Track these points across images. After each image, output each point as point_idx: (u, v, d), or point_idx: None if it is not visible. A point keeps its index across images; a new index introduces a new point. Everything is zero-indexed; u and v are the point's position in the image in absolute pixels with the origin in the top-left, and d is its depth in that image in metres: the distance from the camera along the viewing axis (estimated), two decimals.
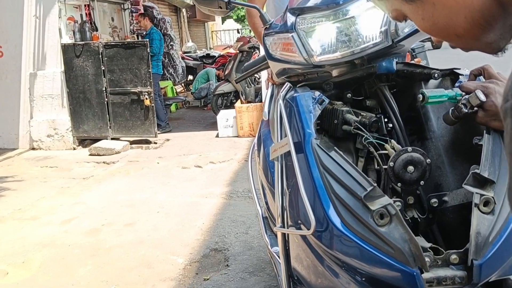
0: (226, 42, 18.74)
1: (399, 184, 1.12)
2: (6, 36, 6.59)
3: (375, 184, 1.01)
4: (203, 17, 15.92)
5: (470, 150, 1.15)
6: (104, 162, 5.78)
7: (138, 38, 8.73)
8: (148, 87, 6.32)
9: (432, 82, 1.29)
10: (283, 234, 1.31)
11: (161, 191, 4.53)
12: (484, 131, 1.09)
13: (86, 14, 7.32)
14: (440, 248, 1.04)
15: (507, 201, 1.00)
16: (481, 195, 0.99)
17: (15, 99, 6.63)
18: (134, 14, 9.12)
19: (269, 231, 1.96)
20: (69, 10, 6.90)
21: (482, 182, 1.02)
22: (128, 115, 6.47)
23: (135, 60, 6.32)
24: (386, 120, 1.27)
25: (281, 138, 1.29)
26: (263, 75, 6.74)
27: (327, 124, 1.27)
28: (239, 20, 28.65)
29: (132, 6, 9.24)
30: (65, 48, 6.41)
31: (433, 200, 1.14)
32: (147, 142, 6.61)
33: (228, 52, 11.39)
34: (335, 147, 1.11)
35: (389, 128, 1.27)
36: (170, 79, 9.92)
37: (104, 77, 6.38)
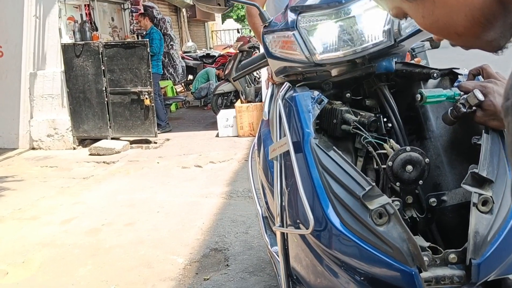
0: (226, 42, 18.73)
1: (397, 184, 1.12)
2: (6, 36, 6.60)
3: (374, 184, 1.01)
4: (203, 17, 15.92)
5: (469, 150, 1.15)
6: (104, 162, 5.78)
7: (138, 38, 8.72)
8: (148, 86, 6.33)
9: (431, 81, 1.29)
10: (282, 234, 1.31)
11: (161, 191, 4.53)
12: (483, 131, 1.10)
13: (86, 14, 7.32)
14: (438, 248, 1.04)
15: (505, 201, 1.01)
16: (480, 194, 0.99)
17: (15, 99, 6.64)
18: (134, 14, 9.12)
19: (269, 231, 1.96)
20: (69, 10, 6.90)
21: (481, 182, 1.02)
22: (128, 115, 6.47)
23: (135, 60, 6.32)
24: (385, 120, 1.27)
25: (280, 138, 1.29)
26: (263, 74, 6.73)
27: (326, 123, 1.27)
28: (239, 20, 28.64)
29: (132, 6, 9.23)
30: (65, 48, 6.41)
31: (432, 199, 1.14)
32: (147, 141, 6.61)
33: (228, 52, 11.39)
34: (333, 147, 1.11)
35: (388, 128, 1.28)
36: (170, 79, 9.92)
37: (104, 76, 6.38)
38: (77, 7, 7.14)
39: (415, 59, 5.94)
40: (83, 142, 6.66)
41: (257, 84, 7.82)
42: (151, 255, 3.18)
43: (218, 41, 19.61)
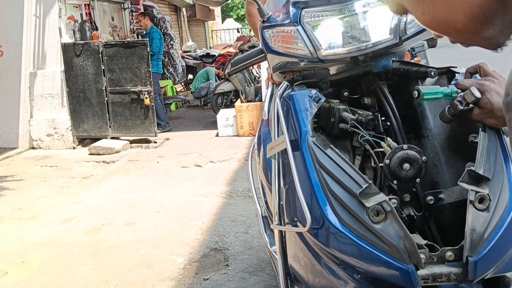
0: (226, 41, 18.73)
1: (395, 182, 1.12)
2: (6, 36, 6.60)
3: (371, 181, 1.02)
4: (203, 16, 15.92)
5: (467, 148, 1.15)
6: (104, 162, 5.78)
7: (138, 38, 8.72)
8: (148, 86, 6.33)
9: (428, 80, 1.30)
10: (280, 232, 1.32)
11: (161, 191, 4.53)
12: (480, 129, 1.10)
13: (86, 13, 7.32)
14: (435, 245, 1.04)
15: (502, 198, 1.01)
16: (476, 192, 0.99)
17: (15, 98, 6.64)
18: (134, 14, 9.12)
19: (268, 230, 1.96)
20: (69, 10, 6.90)
21: (478, 179, 1.02)
22: (128, 114, 6.47)
23: (135, 59, 6.32)
24: (383, 118, 1.27)
25: (278, 136, 1.29)
26: (263, 74, 6.74)
27: (324, 122, 1.27)
28: (239, 19, 28.65)
29: (132, 6, 9.23)
30: (65, 48, 6.41)
31: (429, 197, 1.15)
32: (147, 141, 6.61)
33: (228, 51, 11.39)
34: (331, 145, 1.11)
35: (385, 126, 1.28)
36: (170, 78, 9.93)
37: (104, 76, 6.38)
38: (77, 7, 7.14)
39: (415, 59, 5.93)
40: (83, 141, 6.66)
41: (257, 83, 7.82)
42: (150, 255, 3.18)
43: (218, 41, 19.61)
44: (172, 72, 9.98)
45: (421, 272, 0.97)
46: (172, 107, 9.39)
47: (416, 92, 1.13)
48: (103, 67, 6.36)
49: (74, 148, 6.55)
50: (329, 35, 1.27)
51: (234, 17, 28.92)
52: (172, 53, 9.85)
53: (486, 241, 0.97)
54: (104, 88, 6.41)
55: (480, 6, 0.52)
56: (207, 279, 2.81)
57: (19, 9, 6.46)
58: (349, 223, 1.00)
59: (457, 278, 0.98)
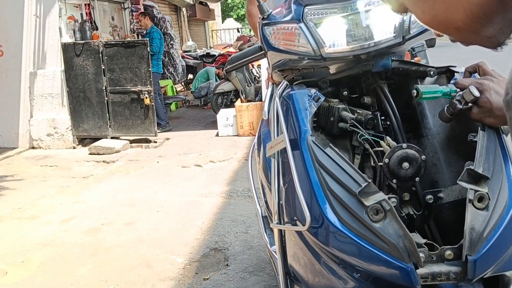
0: (226, 41, 18.73)
1: (394, 181, 1.12)
2: (6, 35, 6.60)
3: (370, 180, 1.02)
4: (203, 16, 15.92)
5: (466, 147, 1.15)
6: (104, 161, 5.78)
7: (138, 37, 8.72)
8: (148, 86, 6.33)
9: (428, 79, 1.30)
10: (280, 231, 1.32)
11: (161, 190, 4.53)
12: (479, 128, 1.10)
13: (86, 13, 7.32)
14: (435, 244, 1.05)
15: (501, 197, 1.01)
16: (476, 191, 0.99)
17: (15, 98, 6.64)
18: (134, 13, 9.12)
19: (268, 230, 1.96)
20: (70, 9, 6.90)
21: (477, 178, 1.02)
22: (128, 114, 6.47)
23: (135, 59, 6.32)
24: (382, 117, 1.28)
25: (278, 136, 1.29)
26: (263, 74, 6.73)
27: (323, 121, 1.27)
28: (239, 19, 28.65)
29: (132, 5, 9.23)
30: (65, 47, 6.41)
31: (429, 196, 1.15)
32: (147, 141, 6.61)
33: (228, 51, 11.38)
34: (330, 144, 1.11)
35: (385, 126, 1.28)
36: (170, 78, 9.93)
37: (104, 76, 6.38)
38: (77, 6, 7.14)
39: (415, 58, 5.93)
40: (83, 141, 6.66)
41: (257, 83, 7.82)
42: (150, 255, 3.18)
43: (218, 40, 19.61)
44: (172, 72, 9.98)
45: (421, 271, 0.97)
46: (172, 107, 9.39)
47: (415, 91, 1.14)
48: (103, 67, 6.36)
49: (74, 147, 6.55)
50: (332, 33, 1.26)
51: (234, 17, 28.92)
52: (172, 53, 9.85)
53: (485, 240, 0.97)
54: (104, 87, 6.41)
55: (480, 5, 0.52)
56: (207, 279, 2.81)
57: (20, 9, 6.47)
58: (348, 222, 1.00)
59: (456, 277, 0.98)
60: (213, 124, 7.38)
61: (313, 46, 1.27)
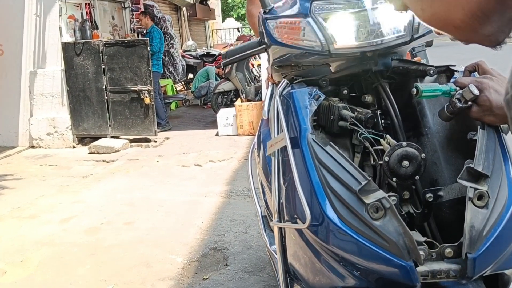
0: (226, 41, 18.74)
1: (394, 179, 1.12)
2: (6, 34, 6.60)
3: (370, 178, 1.02)
4: (204, 15, 15.92)
5: (466, 146, 1.16)
6: (103, 161, 5.78)
7: (138, 37, 8.72)
8: (148, 85, 6.33)
9: (427, 78, 1.30)
10: (280, 229, 1.32)
11: (160, 190, 4.53)
12: (479, 126, 1.10)
13: (86, 12, 7.32)
14: (434, 242, 1.05)
15: (501, 195, 1.01)
16: (475, 189, 1.00)
17: (15, 97, 6.64)
18: (134, 13, 9.12)
19: (268, 230, 1.96)
20: (70, 9, 6.90)
21: (476, 176, 1.02)
22: (128, 113, 6.47)
23: (135, 58, 6.32)
24: (383, 116, 1.27)
25: (278, 134, 1.29)
26: (263, 74, 6.73)
27: (323, 120, 1.27)
28: (240, 18, 28.65)
29: (133, 5, 9.24)
30: (66, 47, 6.41)
31: (428, 194, 1.15)
32: (147, 140, 6.61)
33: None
34: (330, 142, 1.12)
35: (385, 125, 1.28)
36: (170, 78, 9.93)
37: (104, 75, 6.38)
38: (77, 6, 7.14)
39: (415, 58, 5.93)
40: (83, 140, 6.66)
41: (257, 83, 7.82)
42: (150, 254, 3.17)
43: (218, 40, 19.62)
44: (172, 71, 9.97)
45: (420, 268, 0.98)
46: (172, 106, 9.39)
47: (414, 90, 1.14)
48: (103, 66, 6.36)
49: (74, 147, 6.54)
50: (340, 29, 1.25)
51: (234, 16, 28.92)
52: (173, 52, 9.85)
53: (485, 238, 0.97)
54: (104, 87, 6.41)
55: (479, 3, 0.53)
56: (207, 278, 2.81)
57: (20, 8, 6.47)
58: (348, 219, 1.00)
59: (456, 274, 0.98)
60: (213, 124, 7.38)
61: (322, 41, 1.26)
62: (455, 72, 1.28)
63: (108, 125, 6.50)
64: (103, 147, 6.17)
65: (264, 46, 1.52)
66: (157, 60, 7.36)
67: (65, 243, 3.45)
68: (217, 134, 6.81)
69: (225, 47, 13.45)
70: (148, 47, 6.29)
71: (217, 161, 5.38)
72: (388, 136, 1.19)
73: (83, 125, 6.55)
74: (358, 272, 1.03)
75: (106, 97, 6.43)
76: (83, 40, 6.59)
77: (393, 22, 1.24)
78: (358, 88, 1.37)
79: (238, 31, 15.87)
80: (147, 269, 2.98)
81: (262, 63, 7.50)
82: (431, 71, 1.28)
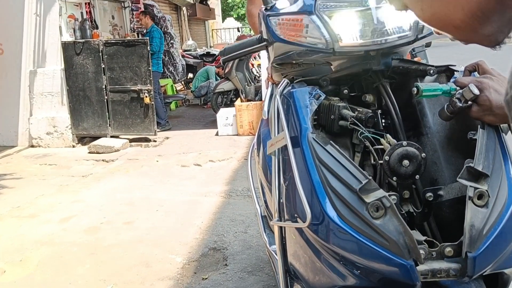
0: (226, 41, 18.75)
1: (394, 178, 1.13)
2: (6, 34, 6.59)
3: (370, 177, 1.02)
4: (204, 15, 15.93)
5: (466, 146, 1.16)
6: (103, 160, 5.78)
7: (138, 36, 8.72)
8: (148, 85, 6.32)
9: (428, 78, 1.30)
10: (280, 228, 1.32)
11: (160, 190, 4.53)
12: (479, 126, 1.11)
13: (86, 12, 7.32)
14: (435, 241, 1.05)
15: (501, 194, 1.01)
16: (475, 188, 1.00)
17: (15, 97, 6.64)
18: (134, 12, 9.12)
19: (268, 230, 1.96)
20: (70, 8, 6.90)
21: (476, 176, 1.02)
22: (127, 113, 6.46)
23: (135, 58, 6.31)
24: (383, 116, 1.27)
25: (278, 133, 1.29)
26: (263, 73, 6.73)
27: (324, 119, 1.27)
28: (240, 18, 28.65)
29: (133, 4, 9.24)
30: (65, 46, 6.40)
31: (429, 194, 1.15)
32: (147, 140, 6.61)
33: None
34: (331, 141, 1.12)
35: (386, 124, 1.27)
36: (170, 77, 9.93)
37: (104, 75, 6.38)
38: (77, 5, 7.14)
39: (415, 58, 5.93)
40: (83, 140, 6.66)
41: (257, 83, 7.82)
42: (149, 254, 3.17)
43: (218, 40, 19.62)
44: (172, 71, 9.97)
45: (421, 267, 0.98)
46: (172, 106, 9.39)
47: (415, 89, 1.14)
48: (103, 66, 6.36)
49: (73, 146, 6.54)
50: (345, 27, 1.25)
51: (234, 16, 28.92)
52: (173, 52, 9.84)
53: (485, 237, 0.97)
54: (104, 86, 6.40)
55: (478, 3, 0.53)
56: (206, 278, 2.81)
57: (20, 7, 6.46)
58: (349, 218, 1.00)
59: (456, 273, 0.98)
60: (213, 124, 7.38)
61: (326, 39, 1.25)
62: (455, 72, 1.29)
63: (108, 125, 6.50)
64: (102, 147, 6.17)
65: (265, 43, 1.51)
66: (157, 59, 7.36)
67: (64, 243, 3.44)
68: (217, 134, 6.81)
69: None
70: (148, 47, 6.29)
71: (217, 161, 5.38)
72: (388, 135, 1.19)
73: (83, 124, 6.55)
74: (359, 271, 1.03)
75: (106, 97, 6.43)
76: (83, 40, 6.58)
77: (397, 22, 1.24)
78: (358, 87, 1.37)
79: (238, 31, 15.87)
80: (147, 269, 2.98)
81: (262, 63, 7.50)
82: (431, 71, 1.28)
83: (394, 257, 0.96)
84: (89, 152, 6.18)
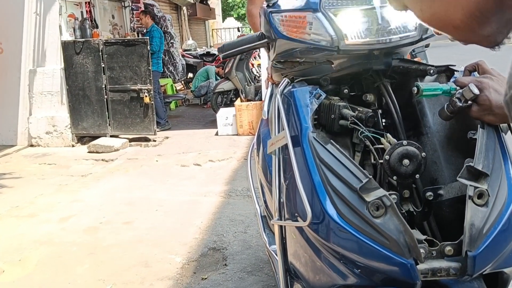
0: (227, 40, 18.71)
1: (394, 178, 1.13)
2: (6, 33, 6.59)
3: (371, 176, 1.02)
4: (204, 15, 15.93)
5: (466, 146, 1.16)
6: (103, 160, 5.77)
7: (138, 36, 8.71)
8: (148, 84, 6.32)
9: (428, 78, 1.30)
10: (280, 228, 1.32)
11: (160, 189, 4.53)
12: (479, 126, 1.11)
13: (86, 11, 7.32)
14: (435, 240, 1.05)
15: (500, 194, 1.02)
16: (475, 187, 1.00)
17: (14, 96, 6.63)
18: (135, 12, 9.12)
19: (267, 230, 1.96)
20: (70, 7, 6.90)
21: (476, 175, 1.03)
22: (127, 112, 6.46)
23: (135, 57, 6.31)
24: (384, 115, 1.27)
25: (279, 132, 1.28)
26: (263, 73, 6.72)
27: (324, 119, 1.28)
28: (240, 18, 28.66)
29: (133, 4, 9.24)
30: (65, 45, 6.40)
31: (429, 193, 1.16)
32: (146, 139, 6.60)
33: None
34: (331, 141, 1.12)
35: (386, 124, 1.27)
36: (170, 77, 9.92)
37: (104, 74, 6.37)
38: (77, 5, 7.14)
39: (415, 59, 5.93)
40: (82, 139, 6.65)
41: (257, 82, 7.82)
42: (149, 254, 3.17)
43: (218, 39, 19.62)
44: (172, 71, 9.97)
45: (421, 266, 0.98)
46: (172, 105, 9.39)
47: (415, 89, 1.14)
48: (103, 65, 6.35)
49: (73, 146, 6.54)
50: (349, 25, 1.25)
51: (234, 16, 28.93)
52: (173, 51, 9.84)
53: (485, 236, 0.98)
54: (103, 86, 6.40)
55: (477, 3, 0.53)
56: (205, 278, 2.80)
57: (20, 7, 6.46)
58: (349, 217, 1.00)
59: (456, 272, 0.99)
60: (212, 123, 7.37)
61: (332, 36, 1.24)
62: (455, 72, 1.29)
63: (108, 124, 6.49)
64: (102, 146, 6.16)
65: (265, 40, 1.50)
66: (157, 59, 7.36)
67: (64, 243, 3.44)
68: (216, 134, 6.81)
69: None
70: (148, 46, 6.28)
71: (217, 161, 5.38)
72: (388, 135, 1.19)
73: (83, 124, 6.54)
74: (359, 270, 1.03)
75: (105, 96, 6.43)
76: (83, 39, 6.58)
77: (401, 21, 1.24)
78: (358, 87, 1.37)
79: (238, 30, 15.85)
80: (146, 269, 2.97)
81: (262, 63, 7.50)
82: (431, 71, 1.29)
83: (395, 256, 0.96)
84: (89, 152, 6.18)
